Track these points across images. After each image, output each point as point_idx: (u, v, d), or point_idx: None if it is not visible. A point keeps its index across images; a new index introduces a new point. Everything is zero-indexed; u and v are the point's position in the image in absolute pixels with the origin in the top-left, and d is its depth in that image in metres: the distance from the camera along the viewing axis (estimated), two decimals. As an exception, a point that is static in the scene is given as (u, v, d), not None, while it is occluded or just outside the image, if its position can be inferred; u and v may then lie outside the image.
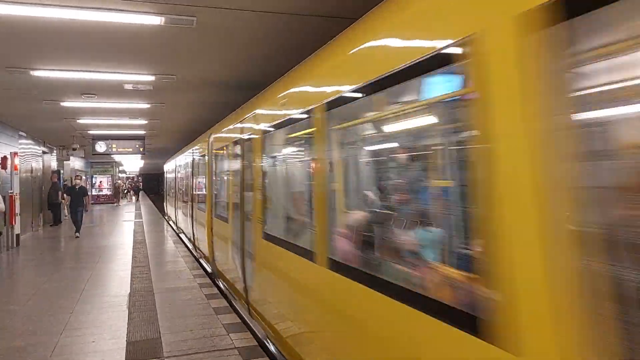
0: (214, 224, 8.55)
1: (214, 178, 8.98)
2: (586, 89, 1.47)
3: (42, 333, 5.34)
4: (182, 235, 14.60)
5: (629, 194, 1.35)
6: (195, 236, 11.46)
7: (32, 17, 4.81)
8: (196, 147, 11.89)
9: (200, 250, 10.76)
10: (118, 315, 5.94)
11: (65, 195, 15.64)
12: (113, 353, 4.69)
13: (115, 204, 31.42)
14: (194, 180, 12.04)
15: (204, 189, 10.24)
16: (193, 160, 12.37)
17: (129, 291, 7.19)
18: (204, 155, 10.18)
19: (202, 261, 10.19)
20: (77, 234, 14.20)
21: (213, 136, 8.94)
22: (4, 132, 12.64)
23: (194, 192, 11.90)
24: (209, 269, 9.13)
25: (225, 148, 7.63)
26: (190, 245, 12.32)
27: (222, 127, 8.09)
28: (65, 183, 19.75)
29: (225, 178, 7.68)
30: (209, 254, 9.02)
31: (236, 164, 6.62)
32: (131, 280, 7.97)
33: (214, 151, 8.87)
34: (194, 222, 11.62)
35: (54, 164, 19.52)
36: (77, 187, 14.70)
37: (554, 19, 1.42)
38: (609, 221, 1.39)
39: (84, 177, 25.30)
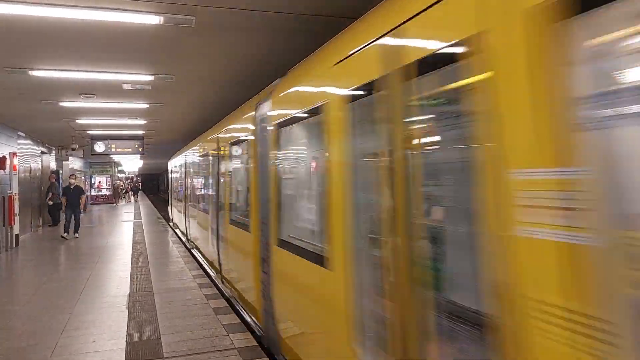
0: (278, 259, 4.44)
1: (267, 176, 4.85)
2: None
3: (42, 333, 5.33)
4: (195, 253, 11.31)
5: None
6: (225, 265, 7.58)
7: (30, 17, 4.79)
8: (227, 128, 7.59)
9: (232, 287, 7.04)
10: (118, 316, 5.93)
11: (60, 196, 15.20)
12: (113, 353, 4.68)
13: (114, 205, 31.39)
14: (222, 179, 7.93)
15: (242, 195, 6.62)
16: (219, 151, 8.15)
17: (128, 291, 7.18)
18: (243, 140, 6.27)
19: (234, 302, 6.83)
20: (76, 234, 13.98)
21: (268, 103, 5.01)
22: (2, 132, 12.61)
23: (222, 198, 7.82)
24: (253, 324, 5.65)
25: (304, 118, 3.89)
26: (212, 273, 8.97)
27: (295, 80, 4.20)
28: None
29: (310, 176, 4.17)
30: (256, 303, 5.45)
31: (367, 144, 2.82)
32: (130, 280, 7.96)
33: (272, 128, 4.72)
34: (221, 243, 7.75)
35: (52, 164, 19.49)
36: (72, 187, 14.37)
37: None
38: None
39: (82, 177, 25.28)
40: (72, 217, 14.07)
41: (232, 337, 5.04)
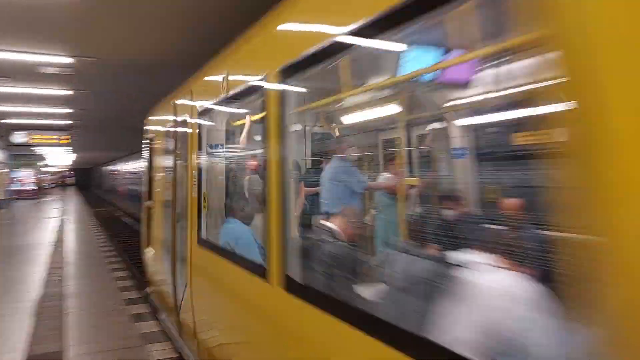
0: None
1: None
2: None
3: None
4: None
5: None
6: None
7: None
8: None
9: None
10: (24, 325, 5.23)
11: None
12: (5, 370, 4.06)
13: (36, 200, 29.52)
14: None
15: None
16: None
17: (38, 296, 6.43)
18: None
19: None
20: None
21: None
22: None
23: None
24: None
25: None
26: None
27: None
28: None
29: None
30: None
31: None
32: (44, 283, 7.17)
33: None
34: None
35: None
36: None
37: None
38: None
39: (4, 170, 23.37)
40: None
41: (150, 347, 4.54)
